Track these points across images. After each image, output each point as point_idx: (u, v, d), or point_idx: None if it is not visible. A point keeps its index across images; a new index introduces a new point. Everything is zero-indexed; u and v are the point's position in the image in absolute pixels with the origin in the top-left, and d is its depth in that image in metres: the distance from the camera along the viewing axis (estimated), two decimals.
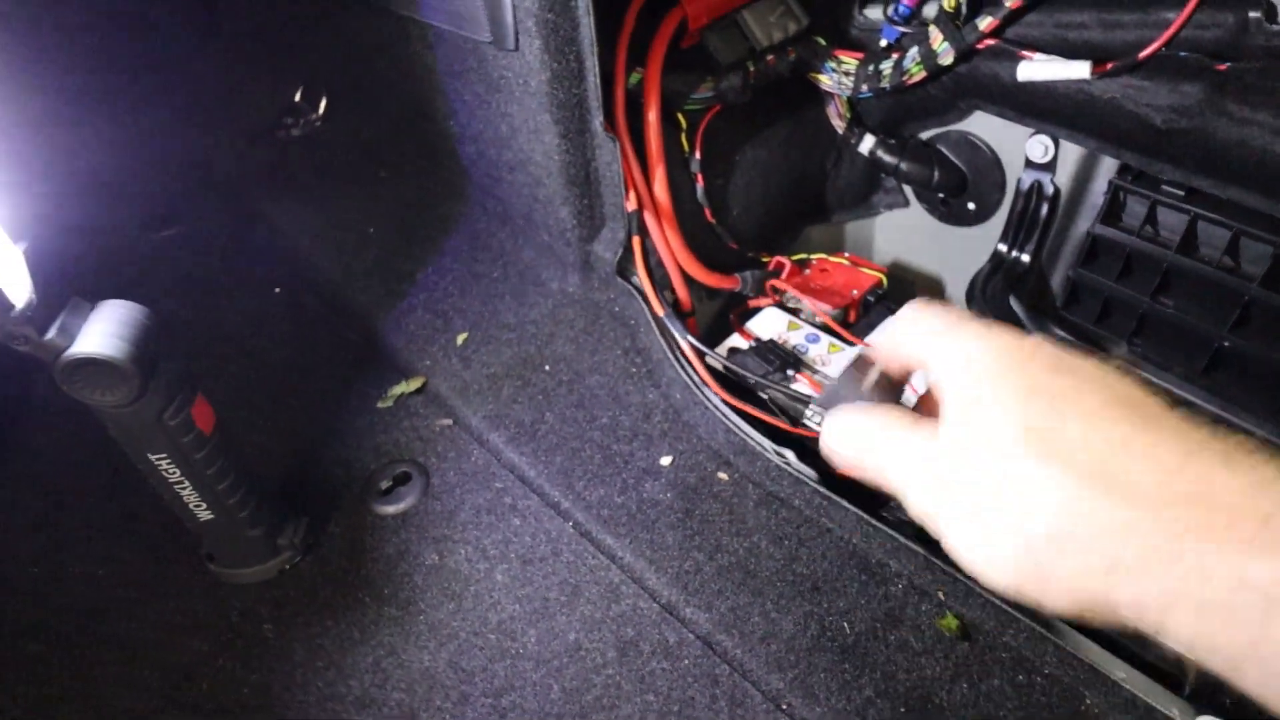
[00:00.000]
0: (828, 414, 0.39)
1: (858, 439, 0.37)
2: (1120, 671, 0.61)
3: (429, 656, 0.71)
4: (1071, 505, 0.28)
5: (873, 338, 0.41)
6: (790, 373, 0.87)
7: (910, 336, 0.36)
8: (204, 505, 0.69)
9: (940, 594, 0.69)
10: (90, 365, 0.56)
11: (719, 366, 0.85)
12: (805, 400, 0.83)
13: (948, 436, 0.32)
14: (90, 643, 0.74)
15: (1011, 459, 0.29)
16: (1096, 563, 0.27)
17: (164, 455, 0.64)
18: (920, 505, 0.33)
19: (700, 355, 0.85)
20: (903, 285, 1.11)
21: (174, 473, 0.65)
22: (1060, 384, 0.30)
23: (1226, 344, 0.78)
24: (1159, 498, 0.27)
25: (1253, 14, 0.69)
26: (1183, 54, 0.74)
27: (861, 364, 0.41)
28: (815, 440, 0.70)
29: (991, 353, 0.32)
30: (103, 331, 0.57)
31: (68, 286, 0.59)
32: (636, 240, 0.88)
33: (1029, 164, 0.91)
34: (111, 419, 0.61)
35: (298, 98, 1.27)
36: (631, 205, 0.87)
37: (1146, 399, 0.30)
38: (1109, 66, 0.76)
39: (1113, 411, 0.29)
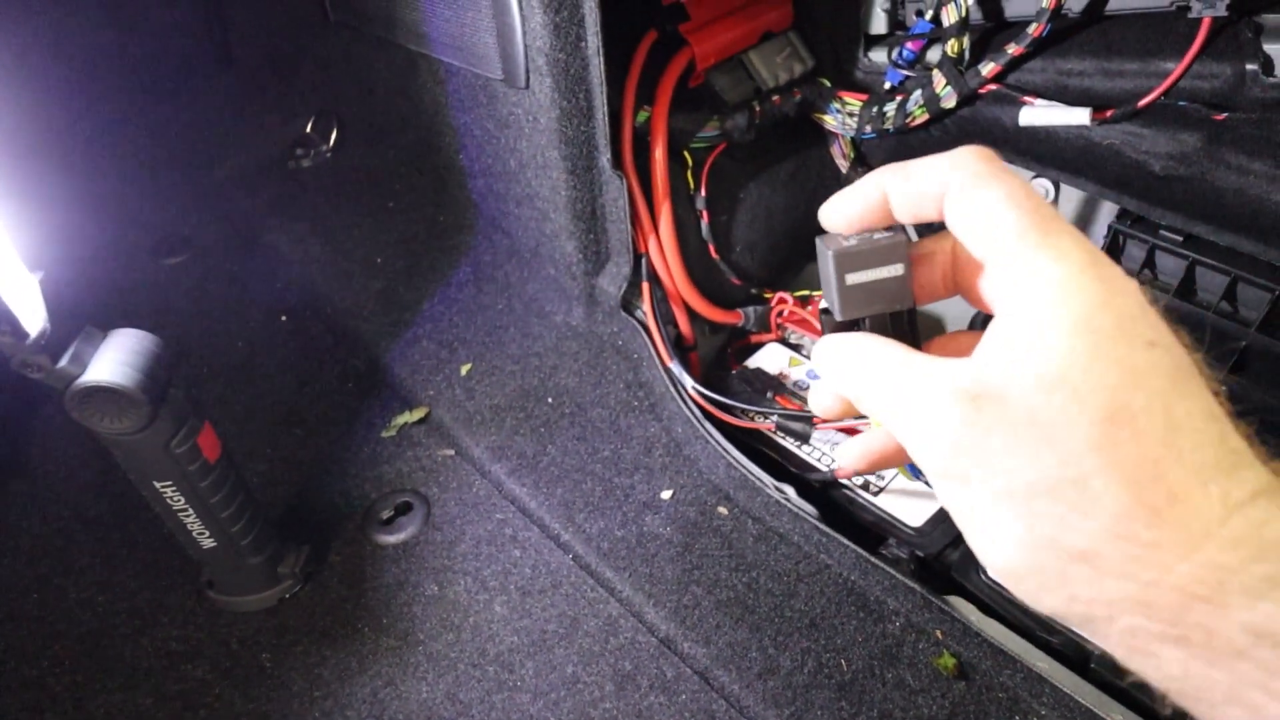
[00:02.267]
0: (823, 336, 0.34)
1: (871, 387, 0.31)
2: (1117, 715, 0.61)
3: (427, 688, 0.71)
4: (1121, 527, 0.25)
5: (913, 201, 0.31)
6: (769, 395, 0.88)
7: (986, 223, 0.28)
8: (207, 533, 0.70)
9: (938, 633, 0.69)
10: (100, 393, 0.57)
11: (697, 397, 0.85)
12: (807, 418, 0.84)
13: (1012, 397, 0.27)
14: (89, 669, 0.74)
15: (1081, 456, 0.25)
16: (1115, 591, 0.25)
17: (169, 483, 0.64)
18: (942, 468, 0.28)
19: (697, 394, 0.86)
20: None
21: (178, 500, 0.66)
22: (1151, 364, 0.26)
23: (1224, 388, 0.78)
24: (1207, 539, 0.24)
25: (1250, 67, 0.71)
26: (1181, 103, 0.75)
27: (887, 248, 0.32)
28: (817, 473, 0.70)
29: (1094, 299, 0.26)
30: (114, 360, 0.57)
31: (81, 314, 0.60)
32: (646, 286, 0.89)
33: None
34: (119, 446, 0.61)
35: (309, 129, 1.29)
36: (641, 249, 0.89)
37: (1226, 419, 0.26)
38: (1109, 113, 0.77)
39: (1196, 423, 0.26)
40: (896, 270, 0.32)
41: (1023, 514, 0.26)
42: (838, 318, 0.34)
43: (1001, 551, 0.27)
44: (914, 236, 0.34)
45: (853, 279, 0.33)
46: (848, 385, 0.32)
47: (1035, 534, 0.26)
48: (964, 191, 0.29)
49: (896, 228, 0.33)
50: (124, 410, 0.58)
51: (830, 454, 0.83)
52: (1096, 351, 0.26)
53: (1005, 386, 0.27)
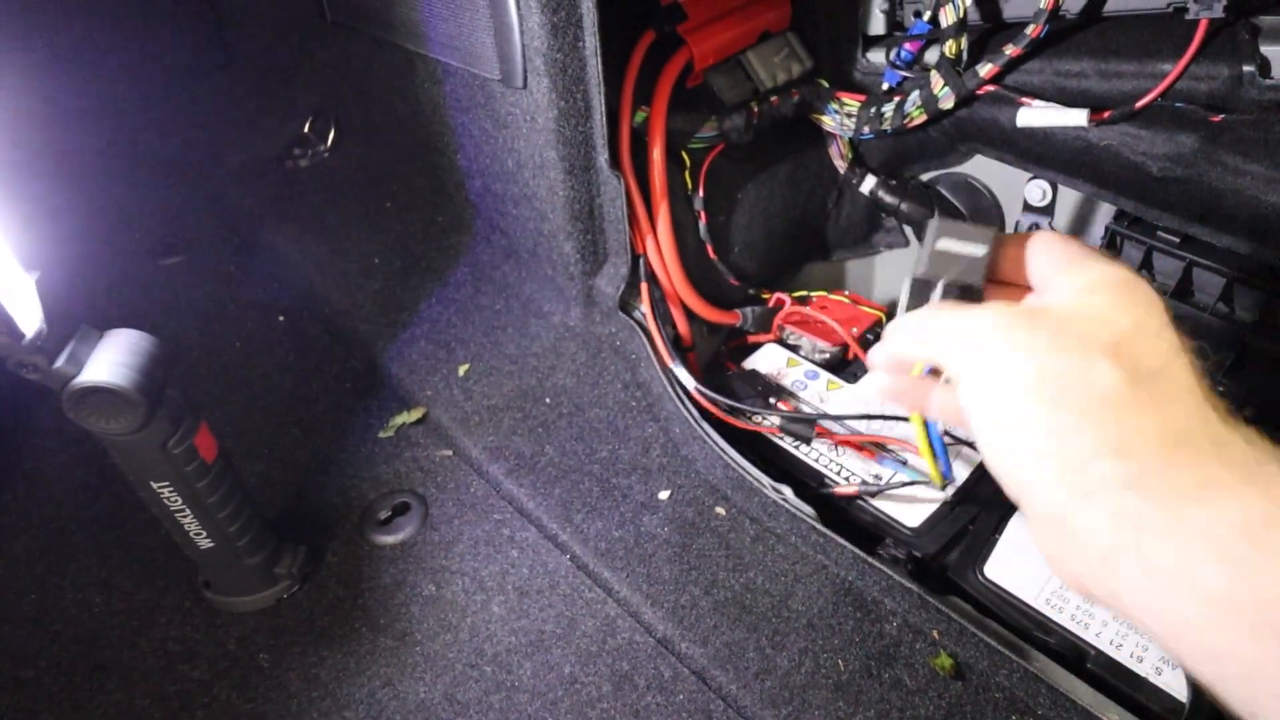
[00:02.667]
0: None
1: (929, 327, 0.39)
2: (1113, 714, 0.61)
3: (424, 688, 0.71)
4: (1112, 396, 0.33)
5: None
6: (772, 400, 0.88)
7: (1049, 254, 0.39)
8: (204, 533, 0.69)
9: (935, 633, 0.69)
10: (97, 394, 0.57)
11: (701, 399, 0.85)
12: (810, 420, 0.84)
13: (1052, 311, 0.36)
14: (86, 670, 0.74)
15: (1092, 355, 0.34)
16: (1095, 438, 0.33)
17: (166, 483, 0.64)
18: (982, 370, 0.36)
19: (700, 394, 0.86)
20: None
21: (175, 501, 0.66)
22: (1158, 330, 0.35)
23: (1221, 389, 0.79)
24: (1180, 412, 0.33)
25: (1246, 68, 0.71)
26: (1178, 105, 0.75)
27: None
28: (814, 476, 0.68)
29: (1123, 280, 0.37)
30: (111, 360, 0.57)
31: (78, 315, 0.59)
32: (644, 286, 0.89)
33: (1027, 207, 0.92)
34: (116, 447, 0.61)
35: (306, 129, 1.29)
36: (639, 249, 0.89)
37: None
38: (1106, 115, 0.77)
39: (1190, 382, 0.34)
40: (979, 251, 0.41)
41: (1033, 384, 0.34)
42: (918, 273, 0.41)
43: (1003, 413, 0.35)
44: None
45: (942, 245, 0.41)
46: (916, 335, 0.40)
47: (1038, 395, 0.34)
48: (1045, 240, 0.40)
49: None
50: (121, 411, 0.58)
51: (834, 460, 0.83)
52: (1118, 307, 0.35)
53: (1049, 306, 0.37)
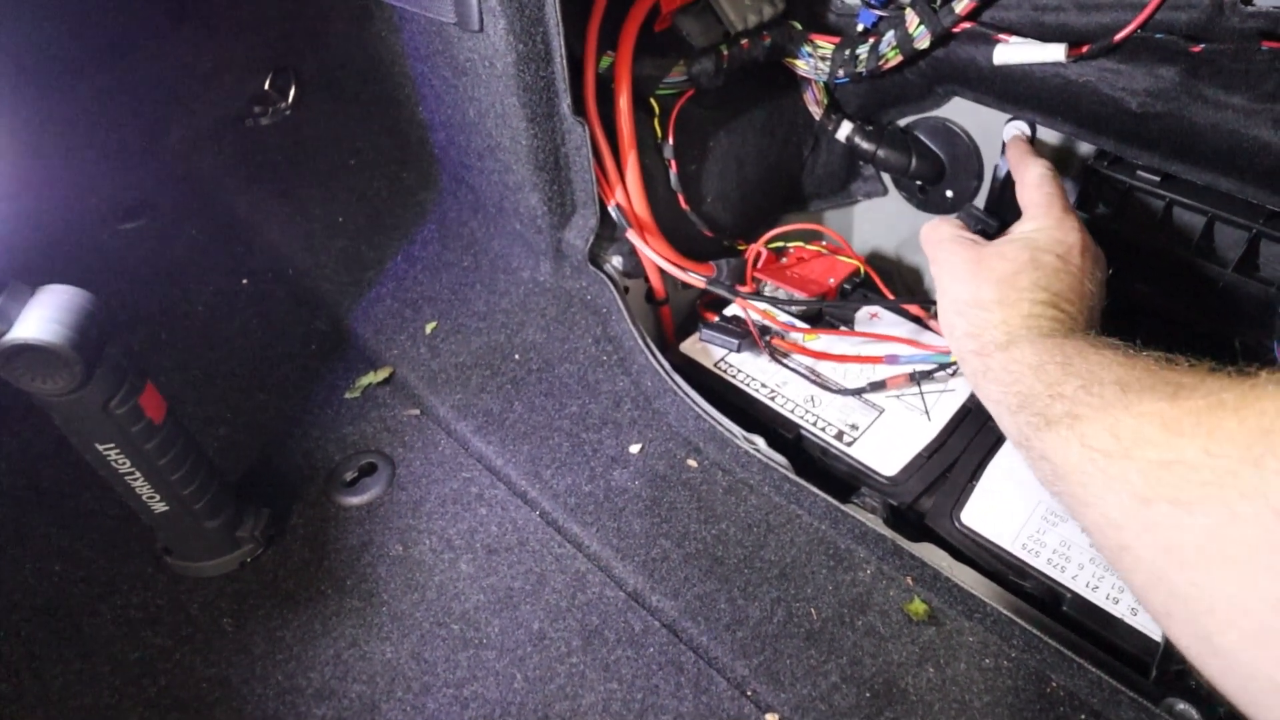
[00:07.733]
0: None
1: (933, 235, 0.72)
2: (1088, 658, 0.60)
3: (391, 648, 0.70)
4: (987, 281, 0.62)
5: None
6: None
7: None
8: (157, 497, 0.67)
9: (908, 580, 0.67)
10: (29, 351, 0.54)
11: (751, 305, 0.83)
12: (854, 305, 0.91)
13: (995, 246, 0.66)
14: (46, 639, 0.72)
15: (991, 253, 0.65)
16: (965, 321, 0.63)
17: (112, 445, 0.62)
18: (948, 274, 0.67)
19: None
20: (881, 274, 1.10)
21: (124, 463, 0.64)
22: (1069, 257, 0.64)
23: (1201, 329, 0.77)
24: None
25: None
26: (1158, 36, 0.73)
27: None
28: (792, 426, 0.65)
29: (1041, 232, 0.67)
30: (42, 317, 0.55)
31: (8, 271, 0.57)
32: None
33: (1006, 150, 0.90)
34: (55, 408, 0.59)
35: (266, 86, 1.25)
36: (608, 200, 0.86)
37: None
38: (1085, 49, 0.75)
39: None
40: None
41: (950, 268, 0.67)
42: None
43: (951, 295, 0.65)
44: None
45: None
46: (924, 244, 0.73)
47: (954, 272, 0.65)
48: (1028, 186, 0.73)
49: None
50: (55, 369, 0.55)
51: (810, 410, 0.81)
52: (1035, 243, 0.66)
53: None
